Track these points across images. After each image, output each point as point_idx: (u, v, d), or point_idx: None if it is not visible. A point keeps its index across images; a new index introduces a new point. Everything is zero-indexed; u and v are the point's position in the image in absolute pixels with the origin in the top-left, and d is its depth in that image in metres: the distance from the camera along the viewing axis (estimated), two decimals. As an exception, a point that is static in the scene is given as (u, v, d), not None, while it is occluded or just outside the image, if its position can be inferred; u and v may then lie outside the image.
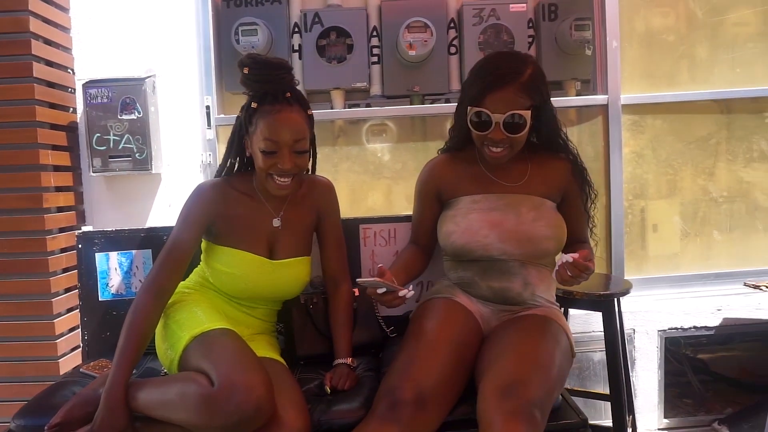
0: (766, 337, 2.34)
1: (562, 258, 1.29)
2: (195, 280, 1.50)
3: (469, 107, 1.41)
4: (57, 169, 2.07)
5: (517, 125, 1.37)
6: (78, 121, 2.19)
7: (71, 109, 2.19)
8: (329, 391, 1.36)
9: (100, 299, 1.77)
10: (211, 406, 1.11)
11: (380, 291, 1.25)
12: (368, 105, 2.41)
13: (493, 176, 1.51)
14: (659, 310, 2.32)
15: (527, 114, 1.37)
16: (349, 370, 1.43)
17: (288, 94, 1.35)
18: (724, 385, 2.44)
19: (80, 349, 1.81)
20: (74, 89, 2.19)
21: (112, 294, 1.78)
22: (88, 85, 2.09)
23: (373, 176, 2.47)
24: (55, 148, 2.06)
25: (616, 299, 1.84)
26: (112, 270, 1.78)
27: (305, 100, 1.40)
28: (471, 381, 1.35)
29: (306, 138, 1.37)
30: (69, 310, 2.07)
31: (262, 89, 1.34)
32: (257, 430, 1.13)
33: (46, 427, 1.21)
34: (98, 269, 1.78)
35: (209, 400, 1.11)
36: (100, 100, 2.09)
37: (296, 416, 1.17)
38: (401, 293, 1.26)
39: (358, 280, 1.29)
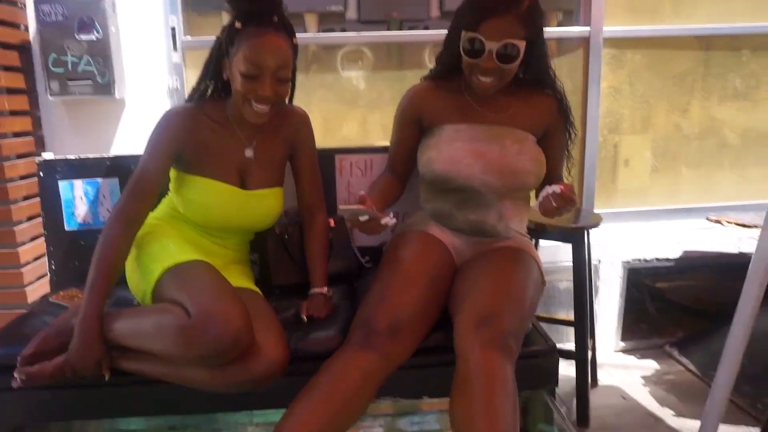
0: (722, 269, 2.46)
1: (547, 189, 1.30)
2: (165, 210, 1.46)
3: (463, 32, 1.36)
4: (10, 92, 1.94)
5: (509, 56, 1.34)
6: (31, 40, 2.03)
7: (23, 26, 2.02)
8: (306, 319, 1.38)
9: (66, 229, 1.72)
10: (188, 338, 1.10)
11: (363, 218, 1.24)
12: (343, 30, 2.31)
13: (478, 107, 1.48)
14: (625, 242, 2.40)
15: (521, 45, 1.33)
16: (326, 299, 1.44)
17: (275, 19, 1.28)
18: (678, 312, 2.58)
19: (47, 277, 1.78)
20: (24, 4, 2.02)
21: (79, 224, 1.73)
22: (39, 0, 1.92)
23: (348, 105, 2.40)
24: (6, 69, 1.92)
25: (586, 231, 1.89)
26: (78, 199, 1.72)
27: (292, 28, 1.33)
28: (444, 310, 1.38)
29: (289, 66, 1.31)
30: (33, 239, 2.01)
31: (249, 10, 1.26)
32: (236, 359, 1.13)
33: (19, 357, 1.19)
34: (62, 198, 1.71)
35: (186, 331, 1.11)
36: (54, 18, 1.93)
37: (274, 344, 1.19)
38: (384, 221, 1.25)
39: (340, 207, 1.27)
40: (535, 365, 1.33)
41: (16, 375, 1.18)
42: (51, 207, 1.71)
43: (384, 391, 1.26)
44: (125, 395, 1.29)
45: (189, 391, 1.18)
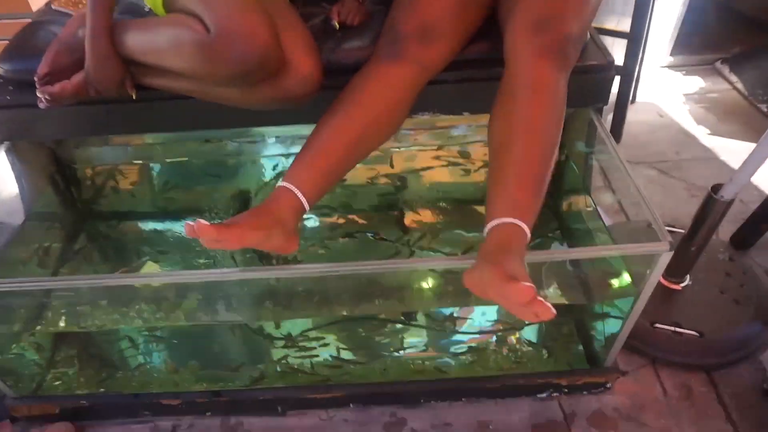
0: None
1: None
2: None
3: None
4: None
5: None
6: None
7: None
8: (338, 26, 1.24)
9: None
10: (209, 57, 0.96)
11: None
12: None
13: None
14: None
15: None
16: (359, 4, 1.27)
17: None
18: (742, 23, 2.33)
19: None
20: None
21: None
22: None
23: None
24: None
25: None
26: None
27: None
28: (488, 21, 1.20)
29: None
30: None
31: None
32: (265, 78, 1.01)
33: (36, 78, 1.11)
34: None
35: (205, 50, 0.96)
36: None
37: (306, 58, 1.06)
38: None
39: None
40: (588, 81, 1.21)
41: (39, 95, 1.12)
42: None
43: (421, 105, 1.20)
44: (158, 110, 1.25)
45: (221, 107, 1.12)
